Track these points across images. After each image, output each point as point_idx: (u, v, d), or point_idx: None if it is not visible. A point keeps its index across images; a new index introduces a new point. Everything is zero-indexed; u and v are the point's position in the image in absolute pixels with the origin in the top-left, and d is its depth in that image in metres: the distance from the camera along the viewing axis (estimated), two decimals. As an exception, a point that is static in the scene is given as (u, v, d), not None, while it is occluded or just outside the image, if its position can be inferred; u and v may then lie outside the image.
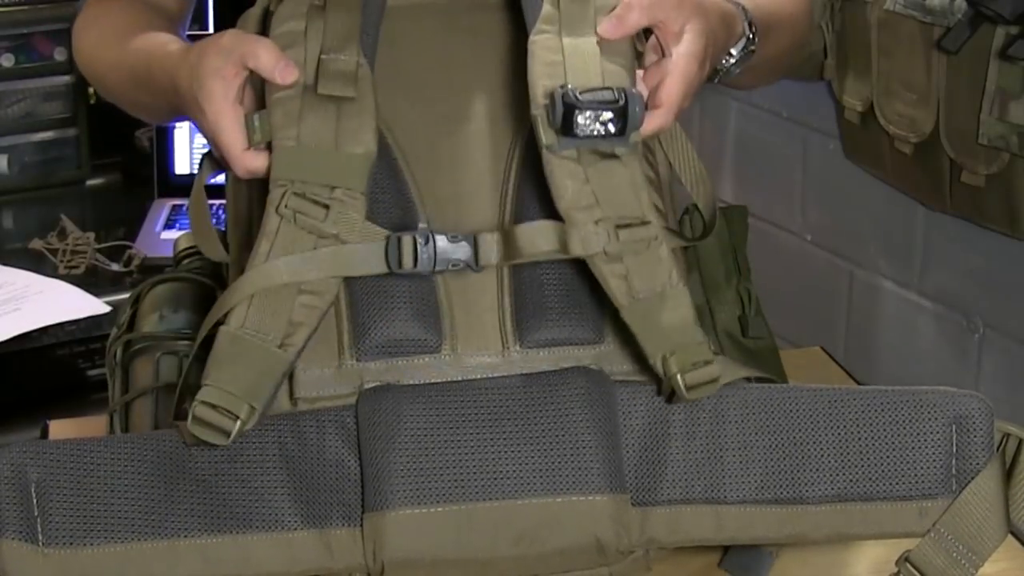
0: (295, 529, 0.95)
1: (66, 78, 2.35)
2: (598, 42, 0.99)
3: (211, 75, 1.00)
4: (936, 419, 0.95)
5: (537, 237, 0.97)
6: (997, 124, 1.71)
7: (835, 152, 2.12)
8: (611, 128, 0.95)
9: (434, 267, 0.98)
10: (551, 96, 0.96)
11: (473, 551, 0.94)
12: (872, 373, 2.05)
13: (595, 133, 0.95)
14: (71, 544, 0.93)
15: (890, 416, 0.96)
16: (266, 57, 0.99)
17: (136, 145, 2.47)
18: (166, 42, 1.14)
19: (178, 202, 2.33)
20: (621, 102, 0.95)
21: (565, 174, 0.96)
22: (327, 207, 0.96)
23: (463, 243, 0.99)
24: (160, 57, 1.11)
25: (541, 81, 0.98)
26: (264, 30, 1.05)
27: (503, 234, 0.99)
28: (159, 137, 2.36)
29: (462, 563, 0.95)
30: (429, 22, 1.08)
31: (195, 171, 1.86)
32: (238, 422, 0.93)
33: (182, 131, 2.35)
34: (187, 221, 2.10)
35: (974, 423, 0.95)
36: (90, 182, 2.45)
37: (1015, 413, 0.98)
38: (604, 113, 0.95)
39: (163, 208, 2.31)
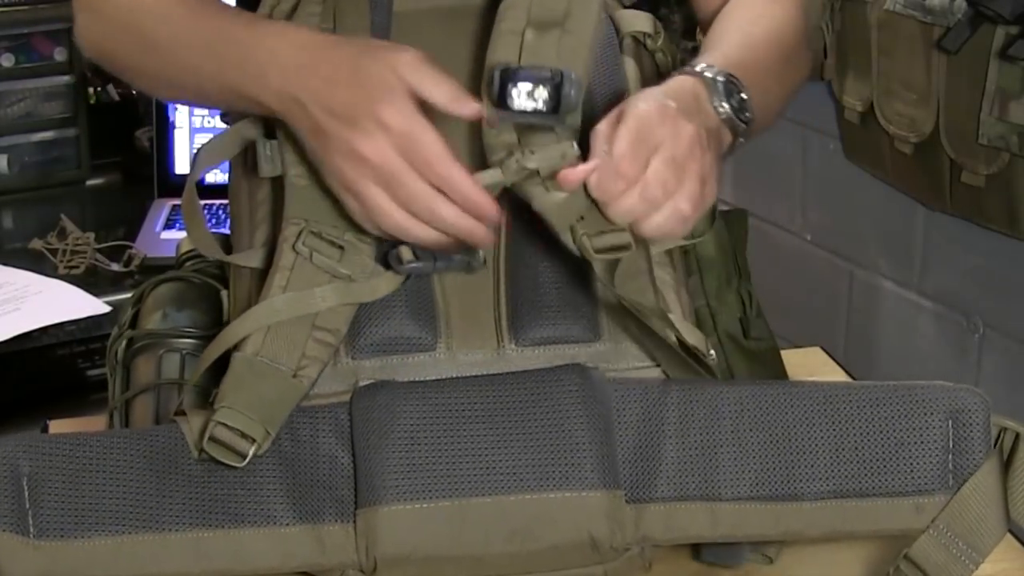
0: (288, 524, 0.95)
1: (66, 78, 2.35)
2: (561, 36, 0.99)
3: (396, 88, 0.97)
4: (932, 414, 0.95)
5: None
6: (997, 124, 1.71)
7: (835, 152, 2.12)
8: (542, 106, 0.95)
9: (435, 264, 0.98)
10: (492, 70, 0.97)
11: (466, 547, 0.94)
12: (872, 373, 2.05)
13: (528, 109, 0.96)
14: (62, 536, 0.92)
15: (886, 411, 0.95)
16: (445, 90, 0.97)
17: (136, 145, 2.47)
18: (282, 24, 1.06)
19: (178, 202, 2.30)
20: (556, 80, 0.95)
21: (497, 144, 0.97)
22: (342, 248, 0.98)
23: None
24: (275, 33, 1.03)
25: (495, 57, 0.98)
26: None
27: None
28: (159, 137, 2.35)
29: (455, 559, 0.94)
30: (433, 27, 1.09)
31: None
32: (254, 445, 0.94)
33: (182, 131, 2.34)
34: (187, 221, 2.11)
35: (971, 418, 0.94)
36: (90, 182, 2.44)
37: (1015, 413, 0.97)
38: (538, 89, 0.95)
39: (163, 208, 2.30)
